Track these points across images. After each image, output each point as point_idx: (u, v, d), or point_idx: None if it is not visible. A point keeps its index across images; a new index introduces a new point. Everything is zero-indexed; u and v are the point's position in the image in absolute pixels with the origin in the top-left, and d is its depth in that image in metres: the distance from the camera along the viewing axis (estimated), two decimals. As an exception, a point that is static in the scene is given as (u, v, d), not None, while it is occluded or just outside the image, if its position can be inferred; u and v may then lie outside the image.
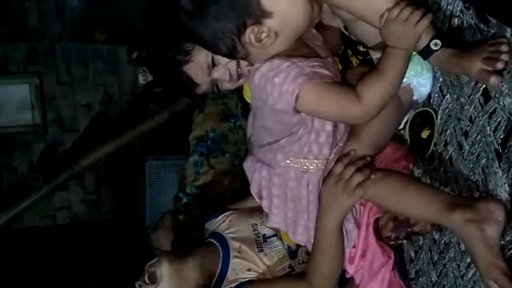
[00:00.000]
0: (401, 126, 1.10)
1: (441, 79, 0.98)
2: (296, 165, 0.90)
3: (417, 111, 1.06)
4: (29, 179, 2.32)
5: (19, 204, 2.20)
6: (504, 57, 0.74)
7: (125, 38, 2.53)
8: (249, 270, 1.05)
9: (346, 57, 1.03)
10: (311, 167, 0.90)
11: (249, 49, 0.79)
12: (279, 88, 0.80)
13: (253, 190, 0.99)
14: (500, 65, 0.74)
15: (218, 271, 1.06)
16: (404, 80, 1.04)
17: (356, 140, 0.92)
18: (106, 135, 2.43)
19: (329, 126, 0.88)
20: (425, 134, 1.02)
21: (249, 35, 0.76)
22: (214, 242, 1.11)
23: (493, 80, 0.74)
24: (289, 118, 0.85)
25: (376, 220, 1.02)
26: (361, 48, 0.99)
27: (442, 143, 0.98)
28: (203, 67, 0.92)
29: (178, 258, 1.07)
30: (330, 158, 0.91)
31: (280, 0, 0.75)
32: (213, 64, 0.92)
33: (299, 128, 0.87)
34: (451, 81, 0.94)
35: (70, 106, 2.57)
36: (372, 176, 0.89)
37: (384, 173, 0.93)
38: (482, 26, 0.83)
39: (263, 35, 0.77)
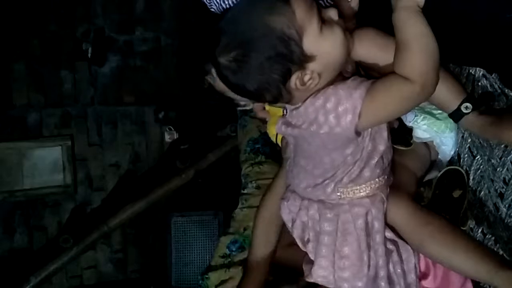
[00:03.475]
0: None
1: (469, 140, 1.00)
2: (349, 195, 0.85)
3: (445, 169, 1.06)
4: (59, 241, 2.35)
5: (49, 266, 2.22)
6: None
7: (152, 99, 2.66)
8: None
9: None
10: (362, 193, 0.85)
11: (293, 93, 0.78)
12: (334, 111, 0.76)
13: (296, 232, 0.92)
14: None
15: None
16: (427, 136, 1.06)
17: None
18: (134, 194, 2.48)
19: (381, 146, 0.84)
20: (456, 193, 1.02)
21: (295, 81, 0.75)
22: None
23: None
24: (345, 144, 0.81)
25: None
26: None
27: (477, 204, 0.97)
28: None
29: None
30: (382, 177, 0.87)
31: (322, 43, 0.74)
32: None
33: (353, 155, 0.83)
34: (480, 142, 0.95)
35: (100, 165, 2.66)
36: None
37: (433, 218, 0.87)
38: (507, 90, 0.85)
39: (307, 78, 0.76)
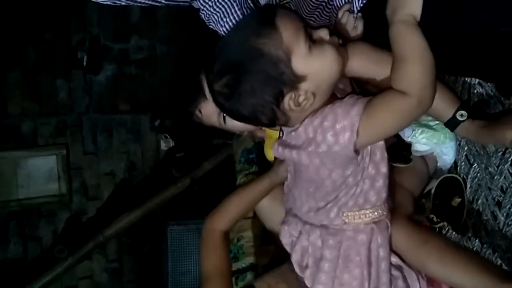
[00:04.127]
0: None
1: (466, 148, 0.99)
2: (355, 220, 0.84)
3: (442, 177, 1.05)
4: (54, 251, 2.33)
5: (44, 277, 2.19)
6: None
7: (148, 107, 2.65)
8: None
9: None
10: (368, 219, 0.84)
11: (289, 115, 0.78)
12: (331, 129, 0.76)
13: (295, 256, 0.91)
14: None
15: None
16: (427, 148, 1.06)
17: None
18: (129, 202, 2.46)
19: (384, 168, 0.83)
20: (455, 202, 1.01)
21: (288, 102, 0.75)
22: None
23: None
24: (345, 163, 0.80)
25: None
26: None
27: (475, 213, 0.97)
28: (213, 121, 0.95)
29: None
30: (387, 202, 0.86)
31: (312, 62, 0.74)
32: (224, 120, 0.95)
33: (354, 176, 0.82)
34: (477, 150, 0.95)
35: (95, 174, 2.64)
36: None
37: (431, 237, 0.88)
38: (502, 98, 0.85)
39: (301, 99, 0.75)
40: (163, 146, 2.66)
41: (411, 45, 0.74)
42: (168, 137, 2.64)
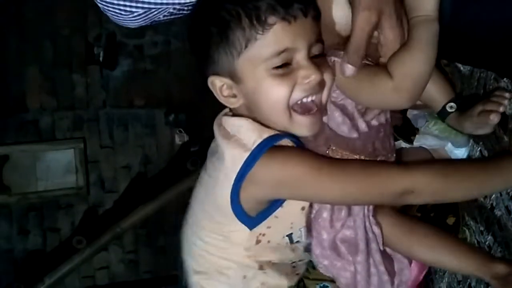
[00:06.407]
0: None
1: (481, 143, 1.00)
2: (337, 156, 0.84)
3: None
4: (73, 242, 2.39)
5: (63, 267, 2.25)
6: (505, 102, 0.80)
7: (162, 102, 2.69)
8: None
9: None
10: None
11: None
12: None
13: None
14: (502, 108, 0.80)
15: None
16: (438, 141, 1.06)
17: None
18: (145, 195, 2.51)
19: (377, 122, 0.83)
20: (450, 221, 1.00)
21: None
22: None
23: (493, 117, 0.79)
24: None
25: None
26: None
27: (488, 207, 0.98)
28: None
29: None
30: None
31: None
32: None
33: None
34: (491, 145, 0.96)
35: (111, 168, 2.70)
36: None
37: (416, 224, 0.89)
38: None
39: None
40: (178, 140, 2.70)
41: (422, 40, 0.73)
42: (183, 131, 2.68)
